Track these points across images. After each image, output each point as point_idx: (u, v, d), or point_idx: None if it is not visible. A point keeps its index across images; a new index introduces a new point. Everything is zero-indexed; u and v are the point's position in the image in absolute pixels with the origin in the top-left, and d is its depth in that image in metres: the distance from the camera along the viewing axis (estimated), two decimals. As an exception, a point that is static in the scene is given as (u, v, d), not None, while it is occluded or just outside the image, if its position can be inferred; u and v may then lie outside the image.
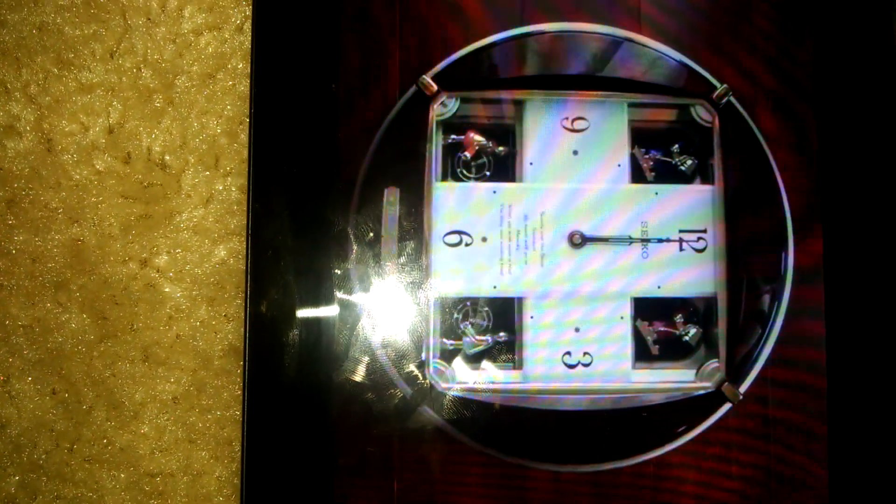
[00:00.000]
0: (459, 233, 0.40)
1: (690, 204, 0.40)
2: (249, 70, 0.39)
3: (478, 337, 0.39)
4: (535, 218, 0.40)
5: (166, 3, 0.41)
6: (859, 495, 0.38)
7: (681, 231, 0.40)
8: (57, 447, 0.40)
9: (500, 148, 0.41)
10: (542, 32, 0.41)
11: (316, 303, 0.38)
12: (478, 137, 0.41)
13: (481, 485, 0.38)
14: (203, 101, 0.41)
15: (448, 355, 0.39)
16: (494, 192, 0.41)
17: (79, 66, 0.41)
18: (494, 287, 0.40)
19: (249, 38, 0.40)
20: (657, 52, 0.41)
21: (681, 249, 0.40)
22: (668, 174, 0.41)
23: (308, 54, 0.40)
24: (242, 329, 0.38)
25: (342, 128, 0.39)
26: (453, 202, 0.40)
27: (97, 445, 0.40)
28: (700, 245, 0.40)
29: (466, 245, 0.40)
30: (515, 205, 0.40)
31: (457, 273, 0.40)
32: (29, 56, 0.41)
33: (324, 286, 0.39)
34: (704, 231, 0.40)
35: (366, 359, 0.38)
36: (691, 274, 0.40)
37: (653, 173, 0.41)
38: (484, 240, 0.40)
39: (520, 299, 0.40)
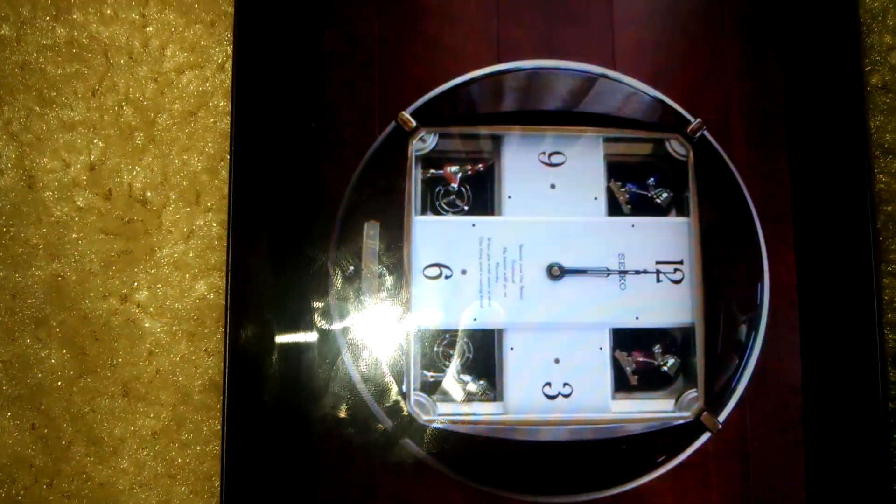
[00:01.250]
0: (439, 266, 0.42)
1: (666, 236, 0.42)
2: (230, 108, 0.41)
3: (461, 377, 0.41)
4: (513, 251, 0.42)
5: (148, 42, 0.43)
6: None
7: (657, 262, 0.42)
8: (36, 483, 0.41)
9: (479, 165, 0.42)
10: (519, 69, 0.43)
11: (296, 337, 0.40)
12: (455, 169, 0.43)
13: (461, 518, 0.39)
14: (184, 139, 0.43)
15: (429, 388, 0.41)
16: (473, 225, 0.42)
17: (61, 105, 0.42)
18: (474, 319, 0.41)
19: (230, 76, 0.42)
20: (632, 88, 0.43)
21: (658, 281, 0.42)
22: (644, 207, 0.43)
23: (288, 92, 0.41)
24: (222, 364, 0.40)
25: (322, 163, 0.41)
26: (433, 236, 0.42)
27: (76, 481, 0.41)
28: (677, 276, 0.42)
29: (446, 278, 0.42)
30: (494, 238, 0.42)
31: (437, 305, 0.41)
32: (11, 94, 0.42)
33: (304, 321, 0.40)
34: (681, 262, 0.42)
35: (346, 392, 0.39)
36: (669, 305, 0.41)
37: (629, 206, 0.43)
38: (464, 272, 0.41)
39: (500, 331, 0.41)
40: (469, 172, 0.43)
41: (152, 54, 0.43)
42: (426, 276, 0.41)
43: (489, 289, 0.41)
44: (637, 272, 0.42)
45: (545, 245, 0.42)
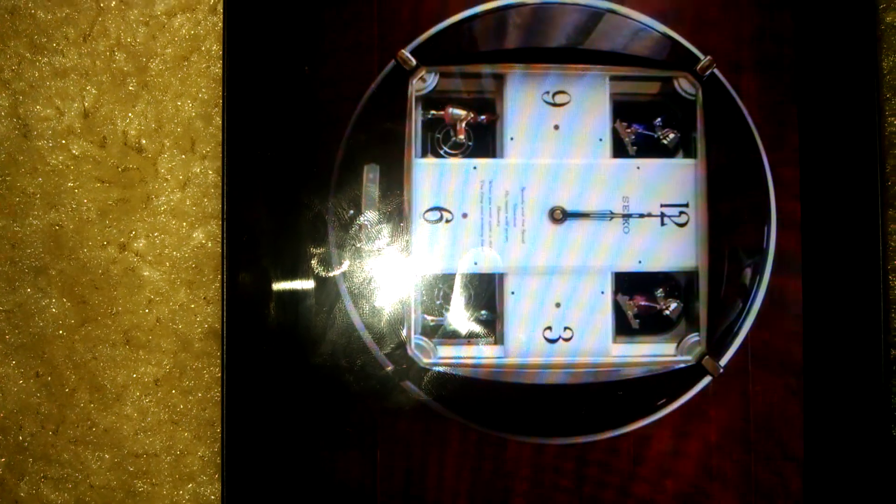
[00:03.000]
0: (440, 209, 0.43)
1: (672, 178, 0.43)
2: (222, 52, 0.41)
3: (461, 317, 0.42)
4: (515, 194, 0.42)
5: (138, -17, 0.44)
6: (834, 466, 0.41)
7: (662, 205, 0.42)
8: (42, 429, 0.43)
9: (482, 117, 0.43)
10: (522, 4, 0.43)
11: (294, 284, 0.41)
12: (457, 111, 0.43)
13: (462, 457, 0.41)
14: (177, 84, 0.43)
15: (430, 331, 0.42)
16: (475, 167, 0.43)
17: (52, 51, 0.43)
18: (475, 263, 0.42)
19: (222, 18, 0.42)
20: (639, 24, 0.43)
21: (662, 224, 0.42)
22: (650, 148, 0.43)
23: (282, 33, 0.42)
24: (221, 312, 0.41)
25: (320, 105, 0.42)
26: (433, 179, 0.42)
27: (81, 427, 0.43)
28: (682, 220, 0.43)
29: (447, 221, 0.42)
30: (496, 181, 0.43)
31: (437, 250, 0.42)
32: (2, 41, 0.43)
33: (302, 267, 0.41)
34: (686, 205, 0.42)
35: (346, 338, 0.41)
36: (672, 249, 0.42)
37: (635, 147, 0.43)
38: (464, 216, 0.42)
39: (501, 275, 0.42)
40: (472, 121, 0.43)
41: (142, -3, 0.44)
42: (426, 220, 0.42)
43: (490, 233, 0.42)
44: (641, 215, 0.42)
45: (548, 188, 0.42)
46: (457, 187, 0.42)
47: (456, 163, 0.43)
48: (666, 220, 0.42)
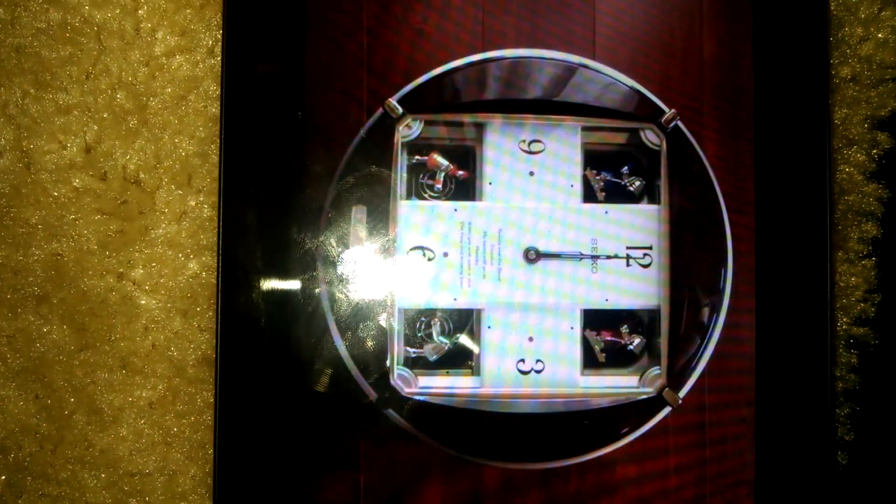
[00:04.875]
0: (423, 248, 0.47)
1: (638, 222, 0.48)
2: (220, 93, 0.45)
3: (440, 339, 0.47)
4: (493, 235, 0.47)
5: (139, 25, 0.48)
6: (783, 491, 0.46)
7: (628, 248, 0.47)
8: (41, 449, 0.47)
9: (461, 172, 0.48)
10: (502, 58, 0.47)
11: (284, 316, 0.45)
12: (440, 160, 0.48)
13: (440, 480, 0.45)
14: (176, 122, 0.47)
15: (411, 363, 0.47)
16: (455, 210, 0.47)
17: (56, 88, 0.47)
18: (455, 299, 0.47)
19: (220, 61, 0.46)
20: (610, 78, 0.48)
21: (627, 265, 0.47)
22: (617, 194, 0.48)
23: (277, 78, 0.46)
24: (214, 340, 0.45)
25: (311, 148, 0.46)
26: (417, 219, 0.47)
27: (79, 447, 0.47)
28: (646, 261, 0.48)
29: (429, 260, 0.47)
30: (475, 222, 0.47)
31: (420, 286, 0.47)
32: (8, 77, 0.47)
33: (292, 299, 0.45)
34: (650, 248, 0.48)
35: (333, 367, 0.45)
36: (637, 288, 0.47)
37: (603, 193, 0.48)
38: (445, 255, 0.47)
39: (478, 311, 0.47)
40: (451, 173, 0.48)
41: (144, 38, 0.47)
42: (410, 259, 0.47)
43: (469, 270, 0.47)
44: (608, 257, 0.47)
45: (523, 230, 0.47)
46: (439, 228, 0.47)
47: (438, 205, 0.47)
48: (631, 261, 0.47)
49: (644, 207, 0.48)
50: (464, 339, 0.47)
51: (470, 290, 0.47)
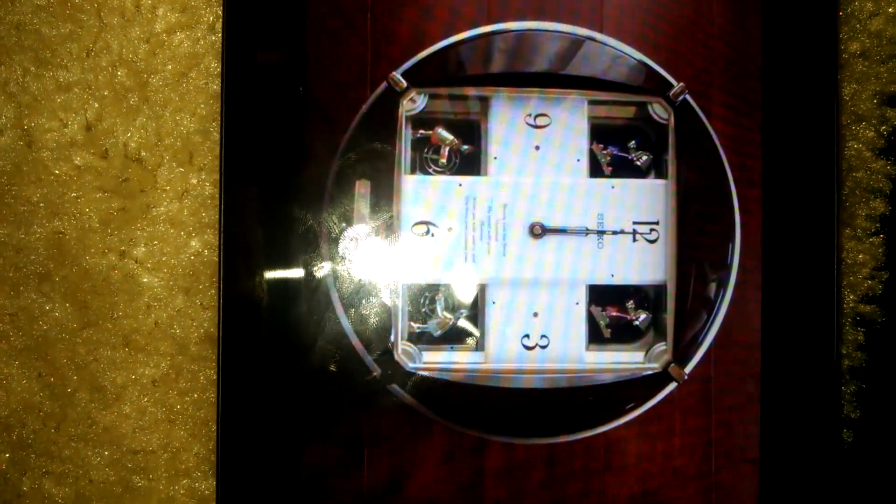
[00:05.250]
0: (427, 223, 0.47)
1: (645, 197, 0.47)
2: (220, 70, 0.45)
3: (444, 314, 0.47)
4: (497, 210, 0.47)
5: (140, 2, 0.47)
6: (789, 468, 0.46)
7: (635, 223, 0.47)
8: (44, 427, 0.47)
9: (465, 147, 0.47)
10: (507, 31, 0.47)
11: (286, 293, 0.45)
12: (445, 134, 0.47)
13: (445, 456, 0.45)
14: (177, 100, 0.47)
15: (415, 338, 0.47)
16: (460, 184, 0.47)
17: (56, 65, 0.47)
18: (459, 274, 0.47)
19: (220, 37, 0.46)
20: (617, 51, 0.47)
21: (634, 240, 0.47)
22: (624, 169, 0.48)
23: (278, 53, 0.46)
24: (217, 318, 0.45)
25: (314, 123, 0.46)
26: (421, 194, 0.47)
27: (82, 425, 0.47)
28: (652, 236, 0.47)
29: (433, 235, 0.47)
30: (480, 197, 0.47)
31: (424, 262, 0.47)
32: (8, 55, 0.47)
33: (294, 276, 0.45)
34: (657, 223, 0.47)
35: (336, 343, 0.45)
36: (643, 263, 0.47)
37: (610, 168, 0.48)
38: (450, 230, 0.47)
39: (483, 286, 0.47)
40: (455, 148, 0.47)
41: (144, 15, 0.47)
42: (414, 234, 0.46)
43: (474, 246, 0.47)
44: (615, 232, 0.47)
45: (528, 205, 0.47)
46: (443, 203, 0.47)
47: (442, 180, 0.47)
48: (637, 236, 0.47)
49: (651, 182, 0.48)
50: (468, 315, 0.47)
51: (474, 266, 0.47)
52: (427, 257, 0.46)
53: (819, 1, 0.48)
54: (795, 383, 0.47)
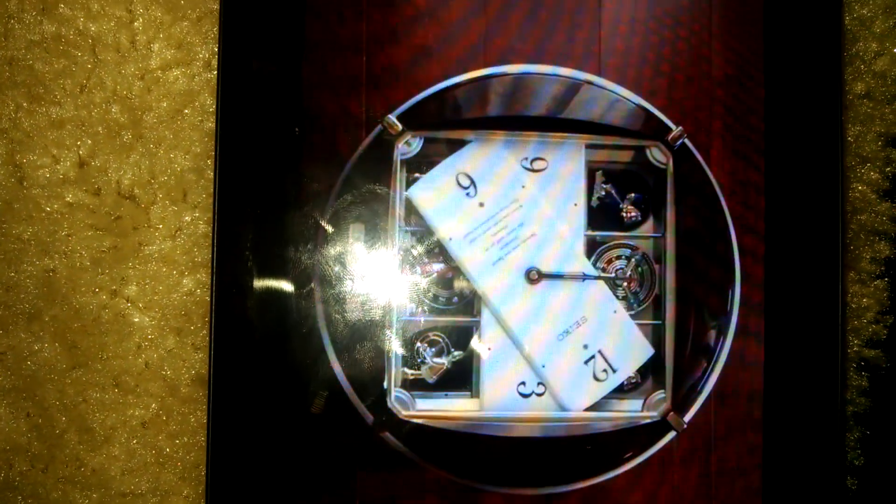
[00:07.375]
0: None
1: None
2: (216, 107, 0.46)
3: (435, 360, 0.47)
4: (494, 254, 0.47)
5: (135, 38, 0.48)
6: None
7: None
8: (32, 468, 0.47)
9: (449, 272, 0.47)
10: (504, 74, 0.48)
11: (279, 337, 0.45)
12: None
13: (436, 509, 0.46)
14: (171, 137, 0.48)
15: (409, 385, 0.47)
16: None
17: (49, 101, 0.47)
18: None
19: (216, 74, 0.47)
20: (615, 95, 0.48)
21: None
22: (609, 217, 0.48)
23: (274, 93, 0.46)
24: (208, 359, 0.45)
25: (309, 165, 0.46)
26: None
27: (70, 467, 0.47)
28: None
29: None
30: (476, 242, 0.47)
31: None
32: (0, 90, 0.47)
33: (287, 321, 0.46)
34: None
35: (328, 389, 0.45)
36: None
37: (598, 202, 0.48)
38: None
39: (478, 331, 0.47)
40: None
41: (139, 51, 0.48)
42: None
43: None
44: (611, 277, 0.47)
45: (524, 250, 0.47)
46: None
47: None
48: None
49: (650, 226, 0.48)
50: (463, 361, 0.47)
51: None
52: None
53: (823, 41, 0.48)
54: (799, 429, 0.47)
